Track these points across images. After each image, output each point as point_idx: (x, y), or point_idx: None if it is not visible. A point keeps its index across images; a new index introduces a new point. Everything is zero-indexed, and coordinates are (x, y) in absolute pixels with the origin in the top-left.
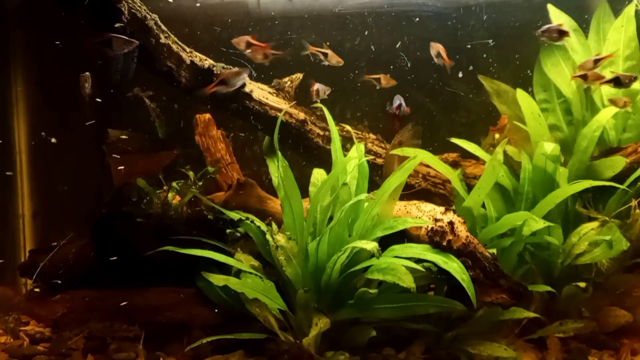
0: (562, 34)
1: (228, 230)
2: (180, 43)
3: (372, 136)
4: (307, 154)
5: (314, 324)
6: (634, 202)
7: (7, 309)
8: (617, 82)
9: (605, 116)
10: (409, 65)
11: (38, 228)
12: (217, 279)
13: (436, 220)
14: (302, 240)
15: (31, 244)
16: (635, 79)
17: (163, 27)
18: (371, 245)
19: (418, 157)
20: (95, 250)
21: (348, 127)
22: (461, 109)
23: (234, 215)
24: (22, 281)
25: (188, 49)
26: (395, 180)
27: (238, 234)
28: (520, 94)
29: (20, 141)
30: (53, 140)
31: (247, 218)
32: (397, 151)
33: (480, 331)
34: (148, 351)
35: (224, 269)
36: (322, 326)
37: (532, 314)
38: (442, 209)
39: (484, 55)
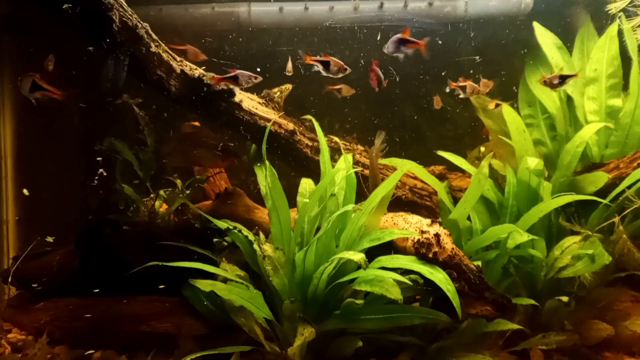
0: (563, 79)
1: (215, 240)
2: (170, 52)
3: (360, 147)
4: (296, 164)
5: (299, 333)
6: (617, 218)
7: None
8: (562, 79)
9: (589, 132)
10: (397, 79)
11: (22, 234)
12: (204, 284)
13: (422, 232)
14: (290, 250)
15: (15, 250)
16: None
17: (154, 36)
18: (358, 257)
19: (404, 168)
20: (80, 258)
21: (336, 139)
22: (448, 123)
23: (222, 224)
24: (4, 288)
25: (178, 58)
26: (382, 191)
27: (225, 243)
28: (506, 110)
29: (6, 146)
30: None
31: (235, 227)
32: (386, 161)
33: (464, 343)
34: None
35: (211, 279)
36: (308, 336)
37: (515, 326)
38: (428, 221)
39: (471, 71)
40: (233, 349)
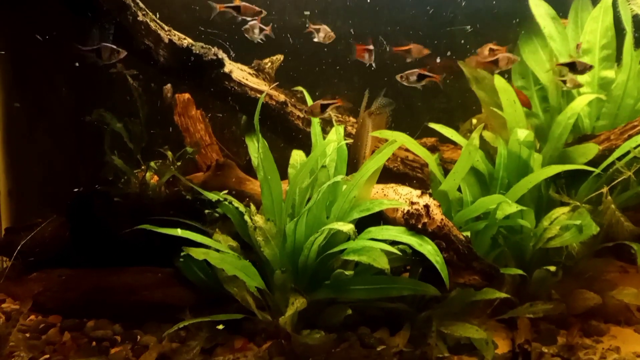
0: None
1: (206, 211)
2: (158, 21)
3: (352, 119)
4: (287, 136)
5: (291, 303)
6: (605, 189)
7: None
8: (572, 67)
9: (580, 104)
10: (388, 49)
11: (14, 206)
12: (197, 253)
13: (412, 203)
14: (281, 221)
15: (7, 222)
16: (590, 67)
17: (141, 5)
18: (347, 227)
19: (398, 141)
20: (71, 229)
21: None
22: (440, 95)
23: (213, 196)
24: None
25: (166, 28)
26: (374, 163)
27: (216, 215)
28: (498, 81)
29: None
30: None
31: (226, 199)
32: (377, 133)
33: (453, 311)
34: (125, 329)
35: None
36: (299, 305)
37: (503, 295)
38: (418, 192)
39: (462, 42)
40: (225, 317)
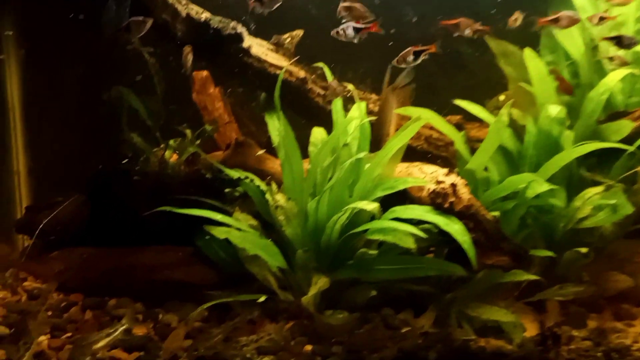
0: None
1: (226, 190)
2: None
3: (374, 97)
4: (306, 114)
5: (314, 283)
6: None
7: (4, 266)
8: (619, 41)
9: (613, 79)
10: (413, 21)
11: (33, 185)
12: (219, 232)
13: (438, 181)
14: (302, 200)
15: (27, 200)
16: (636, 43)
17: None
18: (372, 206)
19: (423, 118)
20: (91, 208)
21: (350, 86)
22: (464, 72)
23: (234, 173)
24: (18, 238)
25: (184, 1)
26: (399, 140)
27: (237, 194)
28: (529, 54)
29: (13, 96)
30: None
31: (247, 177)
32: (401, 110)
33: (479, 293)
34: (147, 308)
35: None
36: (322, 285)
37: (532, 277)
38: (444, 170)
39: (492, 12)
40: (246, 297)
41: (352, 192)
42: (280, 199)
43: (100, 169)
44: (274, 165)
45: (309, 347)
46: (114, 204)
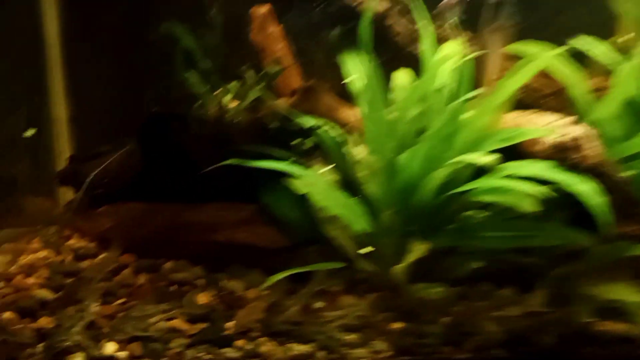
0: None
1: (295, 141)
2: None
3: (467, 36)
4: (386, 55)
5: (411, 249)
6: None
7: (46, 222)
8: None
9: None
10: None
11: (77, 133)
12: (300, 185)
13: (561, 133)
14: (387, 154)
15: (69, 150)
16: None
17: None
18: (487, 159)
19: (542, 58)
20: (143, 157)
21: (442, 23)
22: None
23: (306, 121)
24: (60, 192)
25: None
26: (511, 84)
27: (306, 146)
28: None
29: (51, 33)
30: None
31: (321, 126)
32: (511, 49)
33: (599, 268)
34: (207, 273)
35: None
36: (420, 253)
37: None
38: (566, 120)
39: None
40: (322, 266)
41: (451, 144)
42: (362, 151)
43: (154, 113)
44: (350, 113)
45: (397, 325)
46: (169, 154)
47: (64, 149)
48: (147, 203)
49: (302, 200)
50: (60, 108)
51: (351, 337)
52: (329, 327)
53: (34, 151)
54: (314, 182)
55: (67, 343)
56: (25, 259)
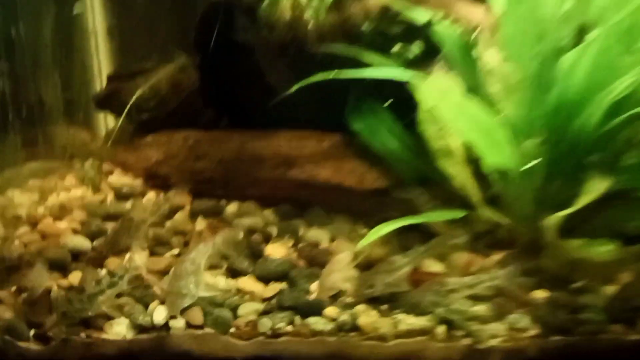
0: None
1: (397, 47)
2: None
3: None
4: None
5: (586, 191)
6: None
7: (83, 155)
8: None
9: None
10: None
11: (115, 47)
12: (427, 94)
13: None
14: (533, 62)
15: (107, 67)
16: None
17: None
18: None
19: None
20: (201, 71)
21: None
22: None
23: (419, 15)
24: (100, 118)
25: None
26: None
27: (411, 54)
28: None
29: None
30: None
31: (440, 23)
32: None
33: None
34: (281, 218)
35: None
36: (594, 194)
37: None
38: None
39: None
40: (436, 215)
41: (636, 44)
42: (494, 56)
43: (216, 2)
44: (471, 11)
45: (541, 294)
46: (233, 63)
47: (102, 67)
48: (205, 131)
49: (404, 127)
50: (97, 19)
51: (480, 308)
52: (448, 294)
53: (66, 69)
54: (445, 91)
55: (105, 307)
56: (56, 199)
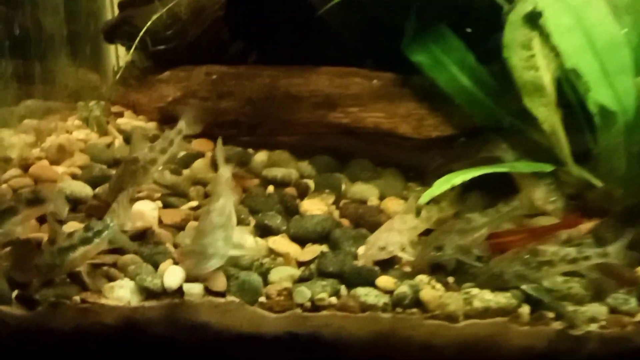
0: None
1: None
2: None
3: None
4: None
5: None
6: None
7: (89, 93)
8: None
9: None
10: None
11: None
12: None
13: None
14: None
15: None
16: None
17: None
18: None
19: None
20: None
21: None
22: None
23: None
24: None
25: None
26: None
27: None
28: None
29: None
30: None
31: None
32: None
33: None
34: (318, 170)
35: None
36: None
37: None
38: None
39: None
40: (528, 166)
41: None
42: None
43: None
44: None
45: None
46: None
47: None
48: (230, 65)
49: (478, 59)
50: None
51: (574, 285)
52: (535, 267)
53: None
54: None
55: (104, 264)
56: (54, 141)
